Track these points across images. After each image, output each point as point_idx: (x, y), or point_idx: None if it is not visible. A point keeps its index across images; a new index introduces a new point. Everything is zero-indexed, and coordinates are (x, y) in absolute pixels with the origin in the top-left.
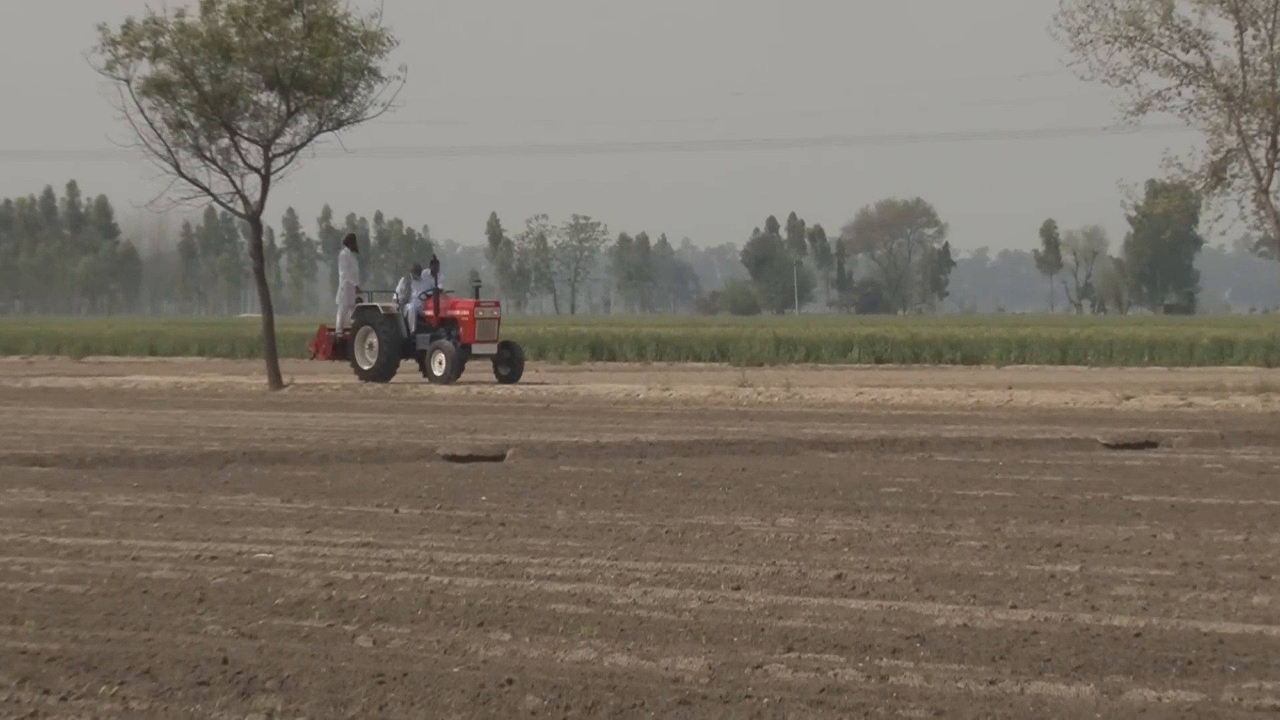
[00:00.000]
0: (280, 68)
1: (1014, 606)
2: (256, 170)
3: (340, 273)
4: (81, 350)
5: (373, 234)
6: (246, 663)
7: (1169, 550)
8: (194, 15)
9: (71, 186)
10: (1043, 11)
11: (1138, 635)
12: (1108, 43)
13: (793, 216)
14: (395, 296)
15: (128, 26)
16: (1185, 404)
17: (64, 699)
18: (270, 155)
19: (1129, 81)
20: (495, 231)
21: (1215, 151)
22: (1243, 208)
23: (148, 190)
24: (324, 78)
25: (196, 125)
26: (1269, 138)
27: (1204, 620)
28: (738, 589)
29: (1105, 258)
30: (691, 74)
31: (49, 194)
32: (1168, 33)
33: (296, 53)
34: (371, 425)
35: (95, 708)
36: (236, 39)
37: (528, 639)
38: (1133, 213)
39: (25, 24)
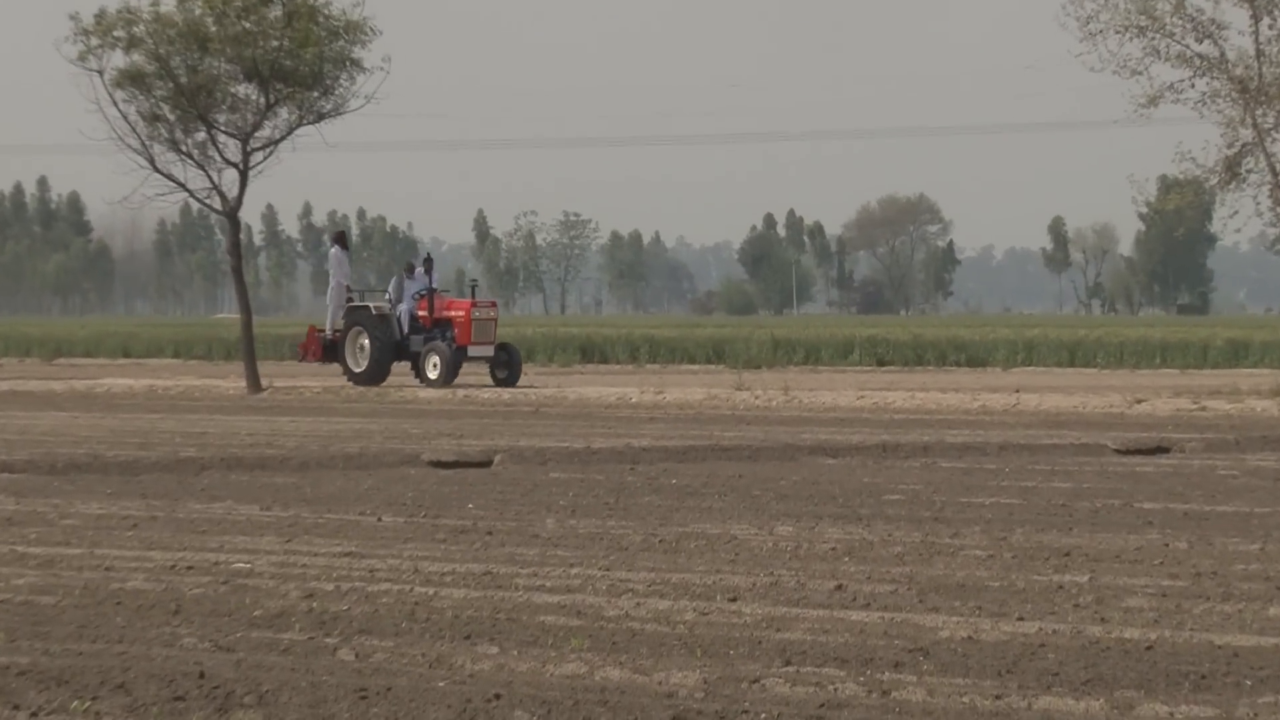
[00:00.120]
0: (259, 58)
1: (1021, 618)
2: (234, 165)
3: (330, 271)
4: (52, 352)
5: (356, 231)
6: (224, 677)
7: (1182, 560)
8: (169, 4)
9: (42, 182)
10: (1051, 0)
11: (1149, 648)
12: (1118, 32)
13: (791, 213)
14: (388, 296)
15: (100, 16)
16: (1199, 408)
17: (34, 715)
18: (249, 149)
19: (1140, 73)
20: (482, 229)
21: (1230, 145)
22: (1258, 204)
23: (121, 186)
24: (304, 69)
25: (172, 118)
26: None
27: (1218, 633)
28: (734, 600)
29: (1116, 256)
30: (686, 65)
31: (19, 189)
32: (1180, 22)
33: (276, 43)
34: (354, 430)
35: None
36: (213, 29)
37: (516, 652)
38: (1144, 209)
39: None
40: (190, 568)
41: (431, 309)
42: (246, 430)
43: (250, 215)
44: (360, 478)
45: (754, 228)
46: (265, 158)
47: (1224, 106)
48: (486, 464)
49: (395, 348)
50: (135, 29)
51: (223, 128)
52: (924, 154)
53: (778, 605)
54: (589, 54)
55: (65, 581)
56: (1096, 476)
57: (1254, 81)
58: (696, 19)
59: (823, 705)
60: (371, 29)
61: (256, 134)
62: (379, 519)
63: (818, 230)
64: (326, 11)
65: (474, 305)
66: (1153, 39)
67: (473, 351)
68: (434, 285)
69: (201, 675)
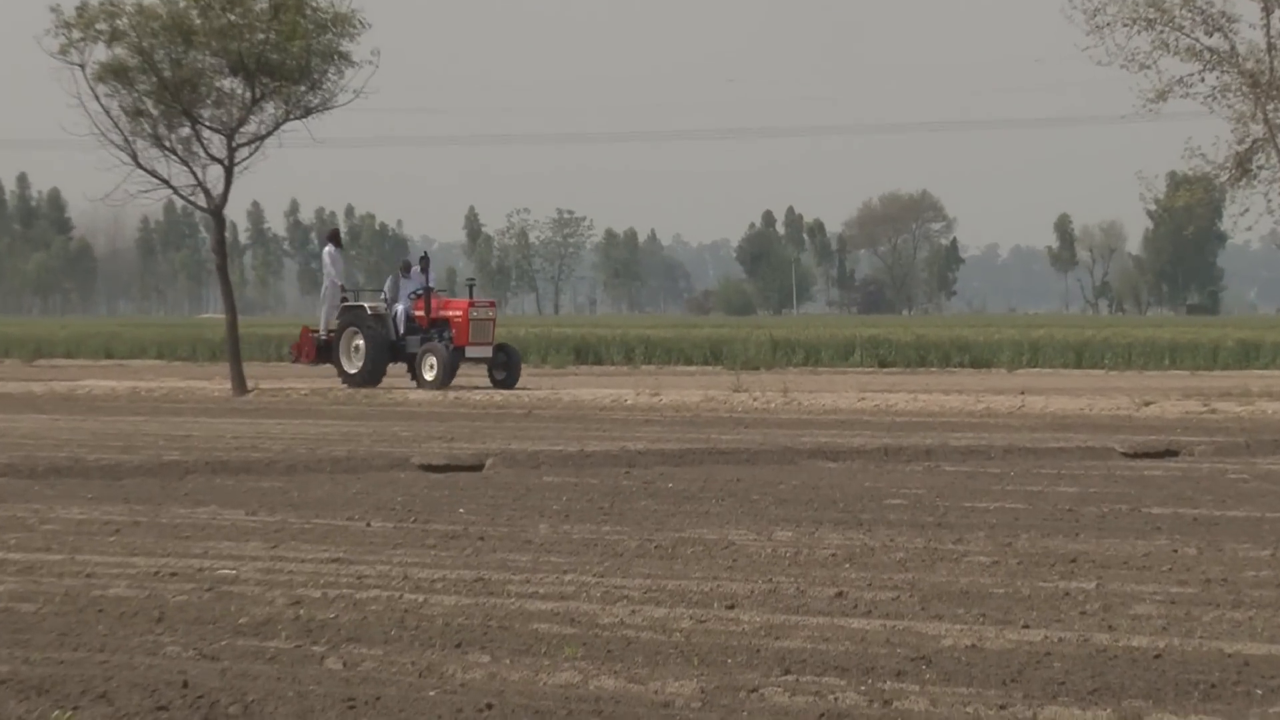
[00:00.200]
0: (245, 52)
1: (1026, 626)
2: (219, 161)
3: (324, 270)
4: (32, 353)
5: (344, 229)
6: (208, 686)
7: (1191, 566)
8: None
9: (22, 179)
10: None
11: (1158, 657)
12: (1126, 25)
13: (791, 210)
14: (383, 296)
15: (82, 8)
16: (1208, 410)
17: None
18: (234, 145)
19: (1148, 67)
20: (474, 226)
21: (1240, 141)
22: (1270, 201)
23: (103, 183)
24: (291, 62)
25: (155, 113)
26: None
27: (1228, 641)
28: (732, 607)
29: (1123, 254)
30: (682, 58)
31: None
32: (1190, 15)
33: (262, 36)
34: (342, 433)
35: None
36: (198, 21)
37: (508, 661)
38: (1153, 207)
39: None
40: (174, 574)
41: (428, 309)
42: (232, 433)
43: (235, 213)
44: (348, 482)
45: (752, 225)
46: (251, 154)
47: (1234, 101)
48: (478, 468)
49: (391, 349)
50: (118, 22)
51: (207, 123)
52: (927, 149)
53: (776, 613)
54: (583, 46)
55: (45, 588)
56: (1104, 480)
57: (1265, 75)
58: (693, 10)
59: (823, 715)
60: (360, 22)
61: (242, 129)
62: (368, 524)
63: (818, 228)
64: (314, 4)
65: (472, 305)
66: (1161, 32)
67: (470, 353)
68: (431, 284)
69: (185, 685)
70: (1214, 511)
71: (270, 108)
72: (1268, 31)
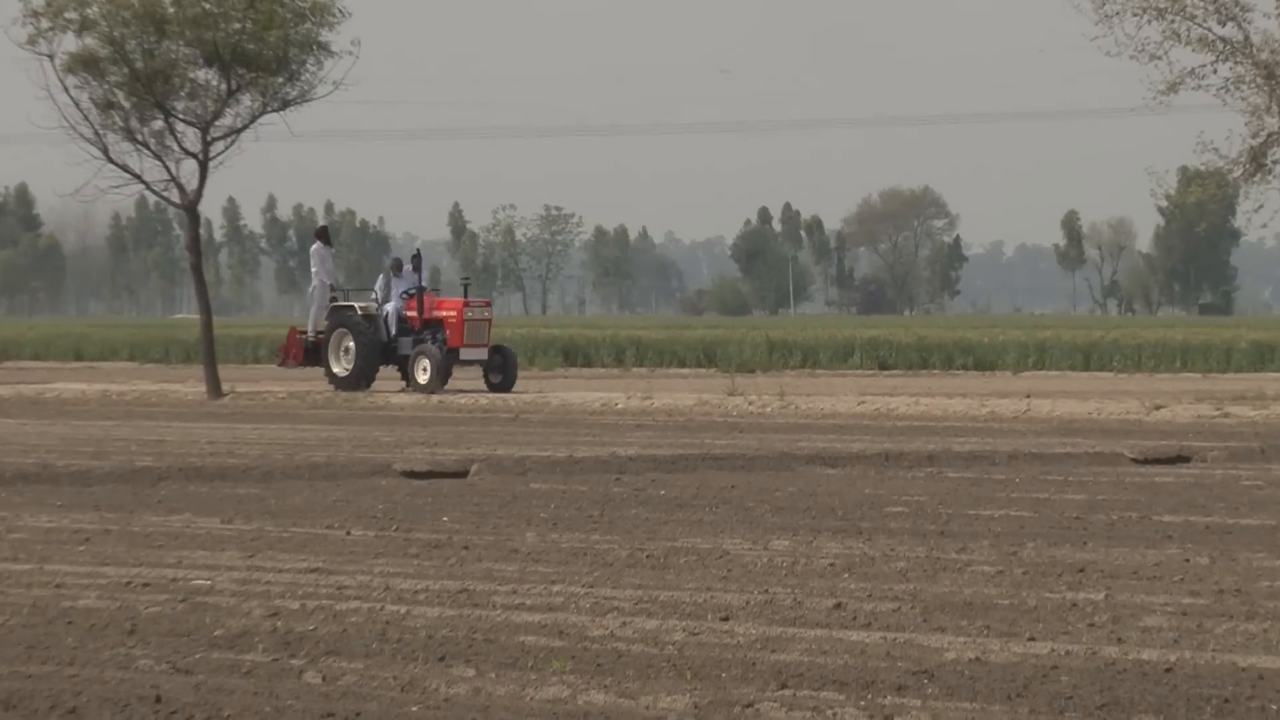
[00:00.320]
0: (220, 42)
1: (1032, 639)
2: (193, 155)
3: (312, 269)
4: None
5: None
6: (182, 701)
7: (1203, 576)
8: None
9: None
10: None
11: (1169, 670)
12: (1136, 15)
13: (787, 207)
14: (374, 295)
15: None
16: (1221, 414)
17: None
18: (209, 139)
19: (1159, 58)
20: (458, 223)
21: (1254, 135)
22: None
23: (73, 178)
24: (268, 53)
25: (127, 105)
26: None
27: (1242, 654)
28: (726, 619)
29: (1133, 252)
30: (676, 49)
31: None
32: (1201, 3)
33: (238, 25)
34: (321, 438)
35: None
36: (171, 10)
37: (494, 675)
38: (1164, 203)
39: None
40: (146, 585)
41: (421, 309)
42: (206, 438)
43: (210, 209)
44: (328, 489)
45: (748, 222)
46: (226, 148)
47: (1248, 93)
48: (462, 474)
49: (382, 350)
50: (88, 10)
51: (181, 116)
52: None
53: (773, 625)
54: (572, 36)
55: (12, 599)
56: (1112, 487)
57: None
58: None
59: None
60: (340, 10)
61: (217, 122)
62: (348, 533)
63: (816, 225)
64: None
65: (466, 305)
66: (1172, 21)
67: (465, 354)
68: (424, 283)
69: (158, 699)
70: (1227, 519)
71: (246, 100)
72: None
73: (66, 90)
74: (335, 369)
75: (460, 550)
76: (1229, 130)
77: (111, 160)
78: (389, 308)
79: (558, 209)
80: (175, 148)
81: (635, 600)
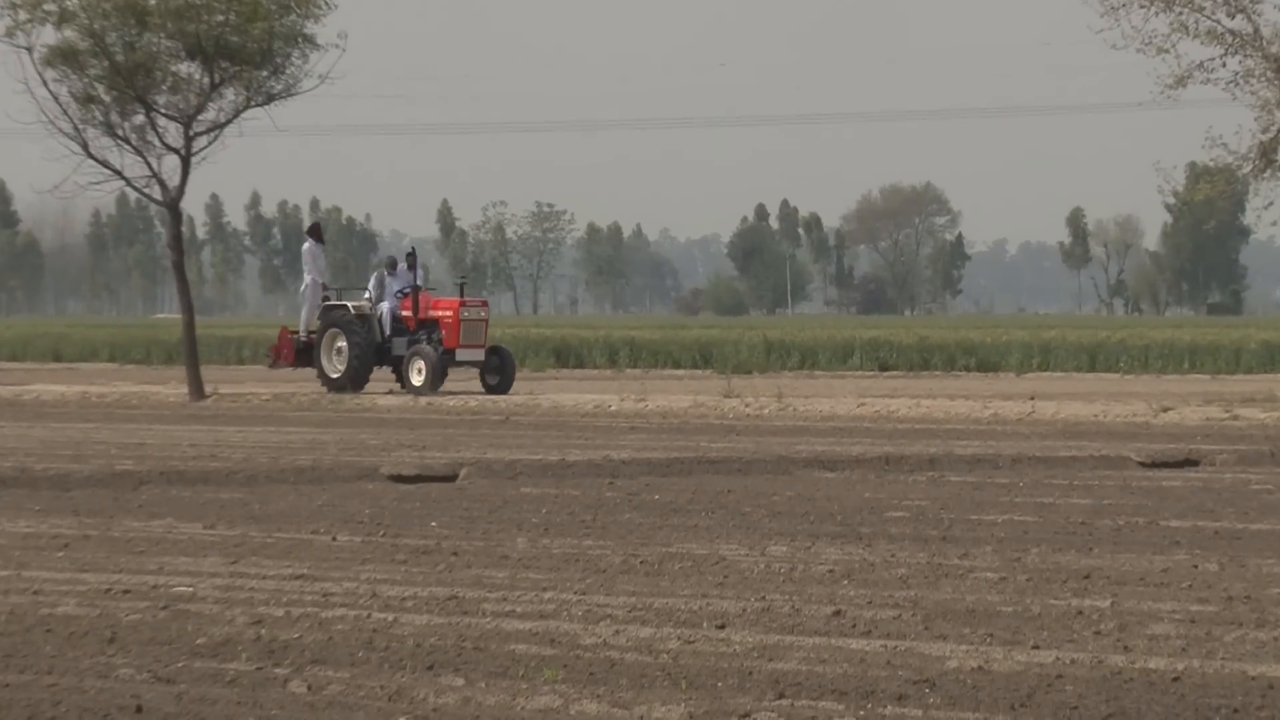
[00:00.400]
0: (203, 34)
1: (1036, 647)
2: (175, 151)
3: (304, 267)
4: None
5: (307, 224)
6: (164, 711)
7: (1212, 583)
8: None
9: None
10: None
11: (1176, 679)
12: (1143, 6)
13: (785, 203)
14: (367, 295)
15: None
16: (1230, 417)
17: None
18: (191, 134)
19: (1167, 50)
20: (447, 221)
21: (1265, 130)
22: None
23: (52, 174)
24: (252, 46)
25: (107, 100)
26: None
27: (1251, 662)
28: (722, 627)
29: (1140, 250)
30: (670, 41)
31: None
32: None
33: (221, 17)
34: (306, 441)
35: None
36: (152, 2)
37: (484, 684)
38: (1171, 200)
39: None
40: (127, 591)
41: (416, 308)
42: (189, 441)
43: (193, 206)
44: (313, 493)
45: (745, 219)
46: (209, 143)
47: (1258, 87)
48: (451, 478)
49: (376, 351)
50: (67, 2)
51: (163, 110)
52: (931, 138)
53: (770, 633)
54: (563, 29)
55: None
56: (1119, 492)
57: None
58: None
59: None
60: (325, 2)
61: (200, 117)
62: (333, 538)
63: (814, 222)
64: None
65: (463, 304)
66: (1180, 13)
67: (461, 355)
68: (419, 282)
69: (139, 709)
70: (1236, 525)
71: (230, 94)
72: None
73: (45, 84)
74: (328, 370)
75: (449, 556)
76: (1238, 125)
77: (91, 156)
78: (383, 307)
79: (549, 206)
80: (157, 143)
81: (629, 608)
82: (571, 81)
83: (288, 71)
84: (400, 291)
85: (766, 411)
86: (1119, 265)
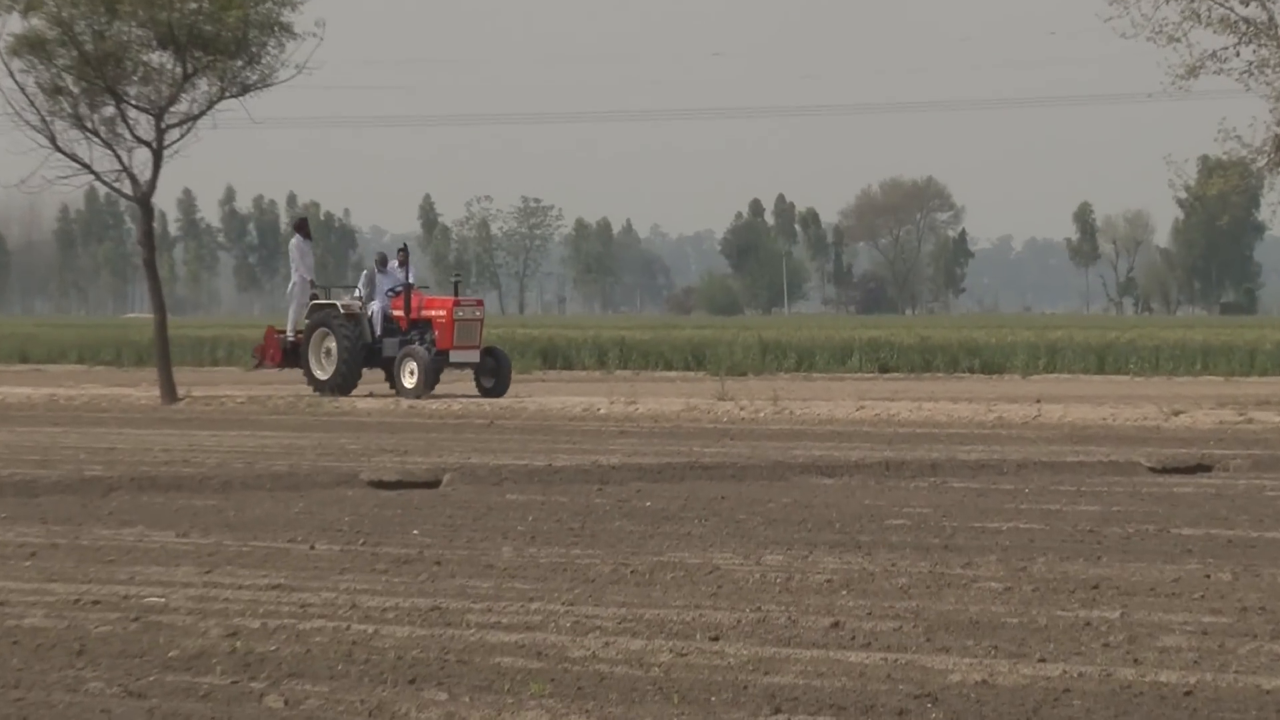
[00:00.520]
0: (175, 23)
1: (1042, 660)
2: (147, 144)
3: (292, 264)
4: None
5: (284, 220)
6: None
7: (1225, 593)
8: None
9: None
10: None
11: (1188, 693)
12: None
13: (781, 198)
14: (357, 293)
15: None
16: (1244, 420)
17: None
18: (163, 126)
19: (1178, 40)
20: (429, 216)
21: (1279, 123)
22: None
23: (18, 167)
24: (227, 34)
25: (76, 91)
26: None
27: (1265, 676)
28: (716, 639)
29: (1150, 247)
30: (662, 30)
31: None
32: None
33: (194, 4)
34: (283, 446)
35: None
36: None
37: (468, 699)
38: (1183, 195)
39: None
40: (96, 602)
41: (408, 308)
42: (160, 446)
43: (165, 201)
44: (290, 500)
45: (739, 215)
46: (182, 136)
47: (1273, 77)
48: (434, 484)
49: (366, 352)
50: None
51: (134, 101)
52: (933, 131)
53: (765, 645)
54: (551, 17)
55: None
56: (1128, 498)
57: None
58: None
59: None
60: None
61: (172, 109)
62: (311, 547)
63: (811, 218)
64: None
65: (457, 304)
66: (1192, 1)
67: (455, 357)
68: (411, 280)
69: None
70: (1250, 533)
71: (203, 85)
72: None
73: (11, 74)
74: (316, 371)
75: (432, 566)
76: (1253, 117)
77: (59, 149)
78: (374, 306)
79: (536, 201)
80: (127, 136)
81: (619, 619)
82: (559, 72)
83: (263, 61)
84: (391, 290)
85: (762, 415)
86: (1128, 263)
